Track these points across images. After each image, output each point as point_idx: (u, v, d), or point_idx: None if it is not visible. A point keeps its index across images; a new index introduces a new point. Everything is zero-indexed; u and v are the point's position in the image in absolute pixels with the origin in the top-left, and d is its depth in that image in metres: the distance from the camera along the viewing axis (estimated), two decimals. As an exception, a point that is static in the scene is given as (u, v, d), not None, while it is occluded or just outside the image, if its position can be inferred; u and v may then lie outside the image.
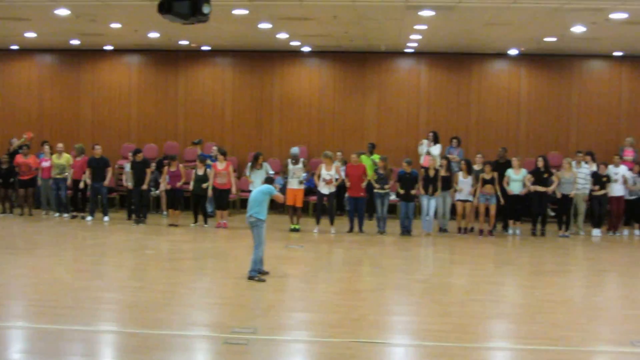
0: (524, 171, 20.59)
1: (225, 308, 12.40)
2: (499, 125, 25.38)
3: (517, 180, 20.41)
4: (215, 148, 22.77)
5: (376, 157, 21.96)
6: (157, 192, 22.71)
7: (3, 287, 13.63)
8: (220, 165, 21.04)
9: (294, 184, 20.58)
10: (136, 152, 21.95)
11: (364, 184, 20.50)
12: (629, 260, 18.13)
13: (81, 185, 22.21)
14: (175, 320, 11.51)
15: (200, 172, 21.14)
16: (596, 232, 20.98)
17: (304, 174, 20.81)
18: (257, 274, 14.07)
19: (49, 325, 10.95)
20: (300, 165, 20.64)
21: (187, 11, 11.37)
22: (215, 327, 11.18)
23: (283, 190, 20.73)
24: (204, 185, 21.02)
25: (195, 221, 21.41)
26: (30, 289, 13.60)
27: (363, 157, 21.82)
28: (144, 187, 21.68)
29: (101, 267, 15.88)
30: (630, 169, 21.19)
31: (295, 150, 21.15)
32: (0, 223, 21.49)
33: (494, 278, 15.69)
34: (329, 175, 20.40)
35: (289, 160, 20.80)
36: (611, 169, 21.08)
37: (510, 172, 20.52)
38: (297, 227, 20.61)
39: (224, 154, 21.29)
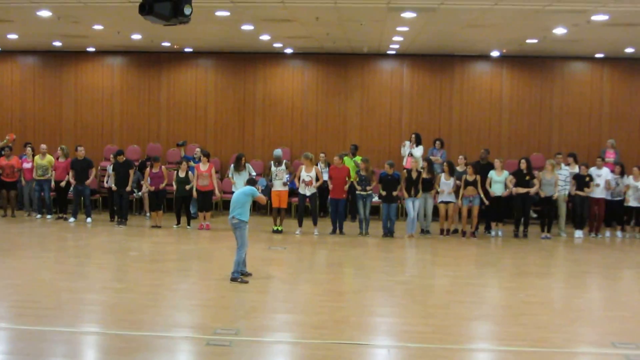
0: (506, 173, 20.63)
1: (208, 309, 12.41)
2: (482, 126, 25.47)
3: (499, 181, 20.46)
4: (198, 149, 22.75)
5: (358, 158, 21.97)
6: (140, 193, 22.63)
7: (-15, 288, 13.60)
8: (203, 166, 21.03)
9: (278, 186, 20.58)
10: (118, 153, 21.86)
11: (346, 186, 20.55)
12: (611, 261, 18.16)
13: (62, 183, 22.14)
14: (158, 321, 11.49)
15: (182, 173, 21.10)
16: (578, 233, 21.05)
17: (287, 176, 20.78)
18: (240, 275, 14.10)
19: (31, 327, 10.93)
20: (283, 167, 20.63)
21: (168, 12, 11.34)
22: (198, 329, 11.18)
23: (267, 191, 20.75)
24: (188, 187, 21.01)
25: (178, 223, 21.37)
26: (13, 290, 13.54)
27: (346, 158, 21.79)
28: (128, 188, 21.62)
29: (84, 269, 15.84)
30: (612, 171, 21.27)
31: (278, 152, 21.13)
32: (-19, 225, 21.44)
33: (477, 280, 15.71)
34: (308, 177, 20.39)
35: (272, 162, 20.82)
36: (594, 171, 21.13)
37: (492, 174, 20.56)
38: (280, 228, 20.60)
39: (207, 155, 21.27)
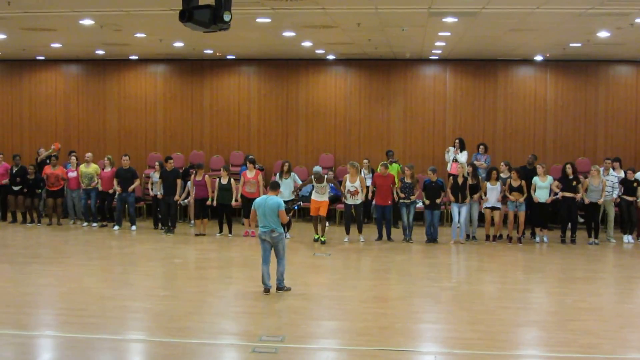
0: (550, 178, 20.43)
1: (253, 317, 12.42)
2: (526, 131, 25.22)
3: (543, 187, 20.24)
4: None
5: (396, 166, 21.96)
6: (186, 201, 22.55)
7: (32, 296, 13.70)
8: (250, 173, 20.99)
9: (318, 196, 20.39)
10: (166, 159, 21.75)
11: (393, 194, 20.37)
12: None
13: (112, 190, 22.20)
14: (203, 328, 11.52)
15: (224, 181, 21.07)
16: (628, 238, 20.69)
17: (331, 188, 20.58)
18: (283, 283, 14.01)
19: (77, 334, 11.00)
20: (324, 183, 20.34)
21: (207, 19, 11.39)
22: (243, 336, 11.20)
23: (307, 199, 20.70)
24: (236, 202, 21.07)
25: (221, 231, 21.31)
26: (59, 298, 13.66)
27: (391, 166, 21.65)
28: (176, 197, 21.57)
29: (129, 276, 15.91)
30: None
31: (317, 169, 20.64)
32: (28, 233, 21.60)
33: (524, 285, 15.59)
34: (353, 187, 20.14)
35: (312, 177, 20.51)
36: (642, 175, 20.83)
37: (536, 180, 20.33)
38: (322, 239, 20.02)
39: (253, 162, 21.24)
